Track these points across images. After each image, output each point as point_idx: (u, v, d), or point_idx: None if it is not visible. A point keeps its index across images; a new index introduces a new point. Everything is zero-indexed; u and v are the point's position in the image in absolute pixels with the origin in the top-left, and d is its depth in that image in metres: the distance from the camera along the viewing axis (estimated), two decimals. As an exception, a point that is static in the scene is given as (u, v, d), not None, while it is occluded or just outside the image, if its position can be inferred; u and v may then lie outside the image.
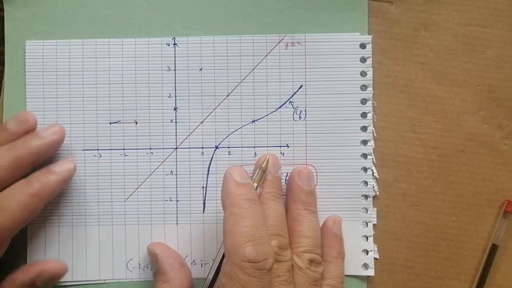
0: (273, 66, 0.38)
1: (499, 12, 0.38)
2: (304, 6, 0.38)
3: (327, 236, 0.36)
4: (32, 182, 0.34)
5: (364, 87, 0.38)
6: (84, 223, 0.37)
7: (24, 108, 0.37)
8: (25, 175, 0.34)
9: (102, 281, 0.37)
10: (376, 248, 0.37)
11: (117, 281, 0.37)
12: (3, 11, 0.37)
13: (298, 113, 0.38)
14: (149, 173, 0.37)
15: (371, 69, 0.38)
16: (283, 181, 0.37)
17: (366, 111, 0.38)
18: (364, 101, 0.38)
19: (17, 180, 0.34)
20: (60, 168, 0.35)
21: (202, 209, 0.37)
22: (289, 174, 0.37)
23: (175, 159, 0.38)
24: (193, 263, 0.37)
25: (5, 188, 0.33)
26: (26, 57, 0.37)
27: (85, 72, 0.38)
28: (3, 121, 0.37)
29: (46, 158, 0.35)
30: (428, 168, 0.38)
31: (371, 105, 0.38)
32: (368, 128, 0.38)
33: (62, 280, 0.37)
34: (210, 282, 0.33)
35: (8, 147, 0.34)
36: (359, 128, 0.38)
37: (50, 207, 0.37)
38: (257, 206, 0.32)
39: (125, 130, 0.38)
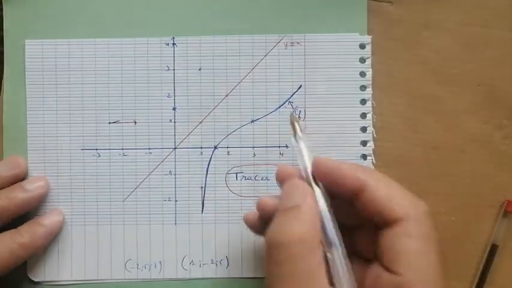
0: (273, 66, 0.38)
1: (499, 12, 0.38)
2: (303, 6, 0.38)
3: None
4: (22, 233, 0.35)
5: (363, 88, 0.38)
6: (83, 223, 0.37)
7: (25, 107, 0.37)
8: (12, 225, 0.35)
9: (101, 281, 0.37)
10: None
11: (115, 281, 0.37)
12: (2, 10, 0.37)
13: (298, 113, 0.38)
14: (148, 173, 0.37)
15: (370, 69, 0.37)
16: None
17: (366, 112, 0.37)
18: (363, 102, 0.38)
19: None
20: (49, 221, 0.36)
21: (201, 209, 0.37)
22: None
23: (174, 159, 0.37)
24: (191, 263, 0.37)
25: None
26: (26, 56, 0.37)
27: (84, 72, 0.38)
28: (3, 120, 0.37)
29: (29, 211, 0.36)
30: (428, 169, 0.38)
31: (370, 105, 0.37)
32: (368, 128, 0.37)
33: (60, 280, 0.37)
34: None
35: None
36: (358, 129, 0.37)
37: (50, 207, 0.37)
38: None
39: (124, 130, 0.37)
